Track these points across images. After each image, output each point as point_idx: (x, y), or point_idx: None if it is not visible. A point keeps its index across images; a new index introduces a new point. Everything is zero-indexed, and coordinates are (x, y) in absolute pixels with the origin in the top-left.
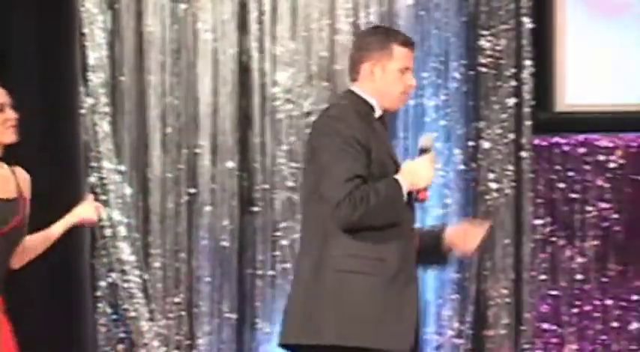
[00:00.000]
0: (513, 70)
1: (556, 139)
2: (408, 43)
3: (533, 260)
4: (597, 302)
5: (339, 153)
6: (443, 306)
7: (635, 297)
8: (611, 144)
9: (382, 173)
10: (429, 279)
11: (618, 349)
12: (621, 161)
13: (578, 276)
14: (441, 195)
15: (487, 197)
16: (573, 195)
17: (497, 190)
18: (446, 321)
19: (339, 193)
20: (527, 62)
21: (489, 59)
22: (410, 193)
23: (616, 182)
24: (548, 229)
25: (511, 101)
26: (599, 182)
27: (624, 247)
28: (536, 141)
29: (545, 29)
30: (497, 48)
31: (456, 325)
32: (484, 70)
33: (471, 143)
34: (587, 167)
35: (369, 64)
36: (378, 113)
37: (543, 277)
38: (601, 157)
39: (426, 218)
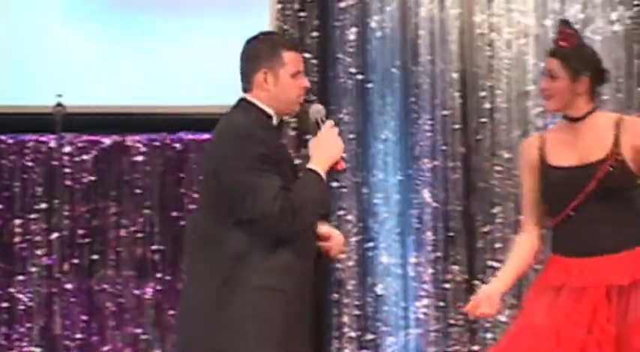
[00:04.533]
0: None
1: None
2: (295, 46)
3: None
4: None
5: (255, 173)
6: None
7: None
8: None
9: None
10: None
11: None
12: None
13: None
14: None
15: None
16: None
17: None
18: None
19: (275, 208)
20: None
21: None
22: (329, 171)
23: None
24: None
25: None
26: None
27: None
28: None
29: None
30: None
31: None
32: None
33: None
34: None
35: (261, 73)
36: (275, 121)
37: None
38: None
39: None
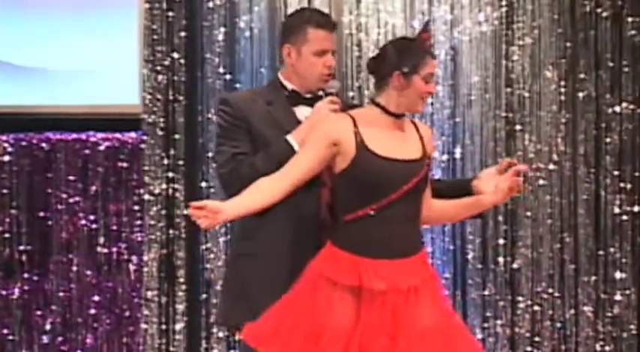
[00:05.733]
0: None
1: None
2: (324, 24)
3: None
4: None
5: (225, 136)
6: None
7: None
8: None
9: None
10: None
11: None
12: None
13: None
14: None
15: None
16: None
17: None
18: None
19: (225, 170)
20: None
21: None
22: None
23: None
24: None
25: None
26: None
27: None
28: None
29: None
30: None
31: None
32: None
33: None
34: None
35: (285, 47)
36: (289, 90)
37: None
38: None
39: None
